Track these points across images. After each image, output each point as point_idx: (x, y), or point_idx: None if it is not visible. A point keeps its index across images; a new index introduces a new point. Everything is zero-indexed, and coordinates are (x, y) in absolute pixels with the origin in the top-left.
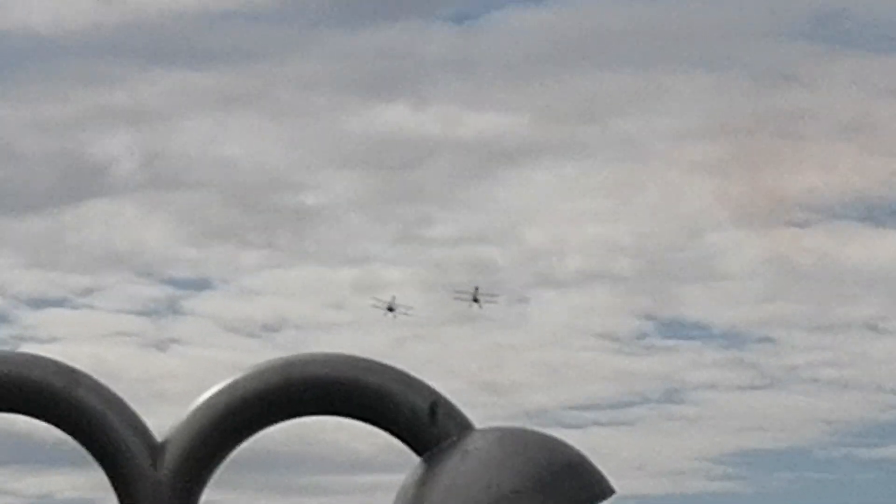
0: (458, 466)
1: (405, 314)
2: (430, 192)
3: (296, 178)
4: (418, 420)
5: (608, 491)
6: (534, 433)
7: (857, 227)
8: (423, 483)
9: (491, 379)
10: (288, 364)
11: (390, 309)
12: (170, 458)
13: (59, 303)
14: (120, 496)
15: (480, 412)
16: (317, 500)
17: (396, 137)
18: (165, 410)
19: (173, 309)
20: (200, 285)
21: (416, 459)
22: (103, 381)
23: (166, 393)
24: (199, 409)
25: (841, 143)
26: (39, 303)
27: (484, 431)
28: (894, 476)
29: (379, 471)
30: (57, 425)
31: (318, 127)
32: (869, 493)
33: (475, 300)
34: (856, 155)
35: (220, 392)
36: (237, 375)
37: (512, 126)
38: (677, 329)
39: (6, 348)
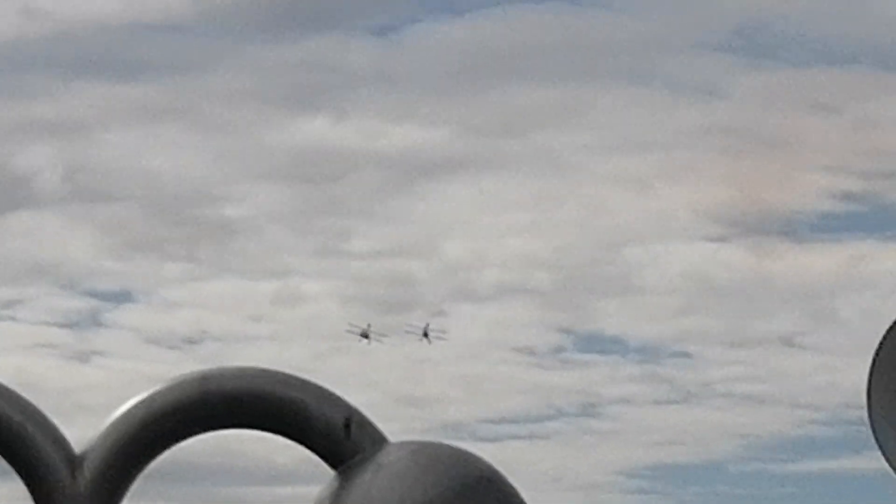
0: (372, 480)
1: (378, 341)
2: (351, 206)
3: (218, 190)
4: (333, 434)
5: None
6: (447, 447)
7: (776, 242)
8: (337, 496)
9: (409, 392)
10: (204, 378)
11: (365, 336)
12: (88, 470)
13: None
14: None
15: (398, 425)
16: None
17: (318, 150)
18: (86, 422)
19: (95, 321)
20: (122, 298)
21: (332, 473)
22: (25, 392)
23: (87, 404)
24: (117, 421)
25: (761, 158)
26: None
27: (398, 445)
28: (807, 491)
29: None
30: None
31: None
32: None
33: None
34: (775, 169)
35: (138, 405)
36: (155, 388)
37: (433, 139)
38: (594, 343)
39: None
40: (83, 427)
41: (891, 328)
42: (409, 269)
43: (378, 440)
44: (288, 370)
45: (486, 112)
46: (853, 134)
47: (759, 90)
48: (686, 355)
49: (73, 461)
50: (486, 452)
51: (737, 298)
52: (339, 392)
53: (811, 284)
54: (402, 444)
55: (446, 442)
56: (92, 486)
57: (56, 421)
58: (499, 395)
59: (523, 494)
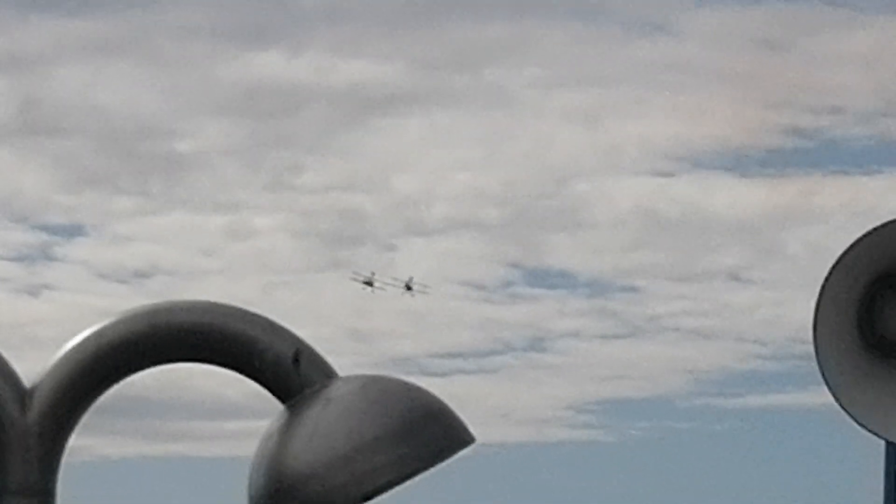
0: (320, 414)
1: (382, 289)
2: (302, 141)
3: (170, 125)
4: (282, 368)
5: (469, 439)
6: (395, 381)
7: (723, 177)
8: (285, 430)
9: (358, 326)
10: (154, 311)
11: (369, 283)
12: (37, 404)
13: None
14: None
15: (347, 360)
16: (184, 445)
17: (270, 85)
18: (37, 356)
19: (46, 255)
20: (73, 231)
21: (280, 407)
22: None
23: (38, 338)
24: (67, 355)
25: (709, 94)
26: None
27: (346, 379)
28: (752, 425)
29: (247, 417)
30: None
31: (192, 74)
32: (729, 442)
33: (408, 287)
34: (724, 105)
35: (87, 339)
36: (105, 322)
37: (385, 74)
38: (543, 278)
39: None
40: (33, 361)
41: (837, 262)
42: (360, 204)
43: (327, 374)
44: (239, 304)
45: (437, 47)
46: (801, 70)
47: (709, 26)
48: (634, 290)
49: (23, 395)
50: (435, 387)
51: (684, 233)
52: (288, 326)
53: (758, 219)
54: (351, 378)
55: (395, 376)
56: (41, 420)
57: (6, 355)
58: (447, 330)
59: (472, 429)
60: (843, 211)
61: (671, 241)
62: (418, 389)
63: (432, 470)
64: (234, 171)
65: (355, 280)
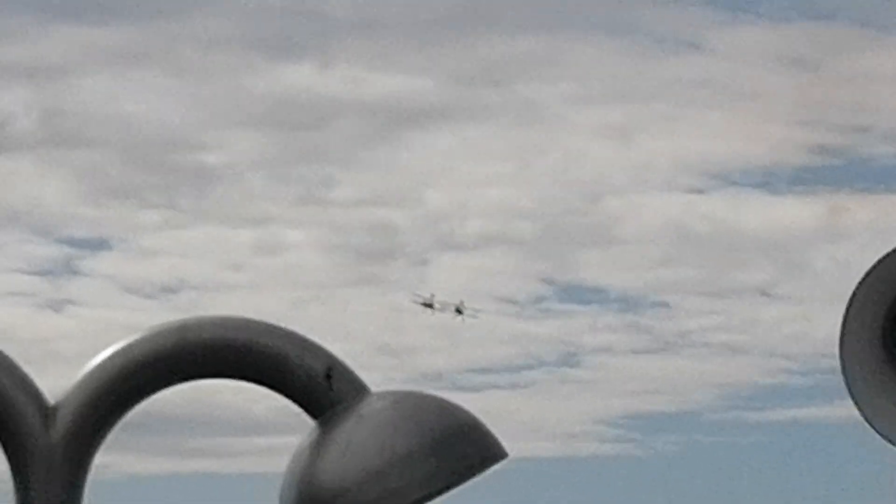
0: (353, 429)
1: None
2: (333, 154)
3: (197, 137)
4: (314, 383)
5: (500, 454)
6: (427, 397)
7: (753, 194)
8: (318, 446)
9: (389, 341)
10: (183, 327)
11: (429, 305)
12: (62, 421)
13: None
14: (10, 459)
15: (378, 375)
16: (212, 462)
17: (301, 98)
18: (60, 372)
19: (70, 269)
20: (98, 245)
21: (312, 423)
22: None
23: (61, 354)
24: (93, 371)
25: (739, 111)
26: None
27: (379, 395)
28: (779, 438)
29: (276, 433)
30: None
31: (221, 86)
32: (756, 455)
33: (458, 311)
34: (753, 122)
35: (115, 355)
36: (132, 338)
37: (417, 88)
38: (575, 293)
39: None
40: (57, 377)
41: (864, 278)
42: (391, 218)
43: (359, 390)
44: (268, 319)
45: (469, 62)
46: (830, 89)
47: (739, 44)
48: (665, 305)
49: (47, 412)
50: (467, 402)
51: (714, 249)
52: (319, 341)
53: (787, 236)
54: (384, 394)
55: (427, 392)
56: (65, 437)
57: (29, 371)
58: (479, 345)
59: (503, 444)
60: (870, 228)
61: (702, 257)
62: (451, 405)
63: (465, 485)
64: (263, 184)
65: (415, 302)
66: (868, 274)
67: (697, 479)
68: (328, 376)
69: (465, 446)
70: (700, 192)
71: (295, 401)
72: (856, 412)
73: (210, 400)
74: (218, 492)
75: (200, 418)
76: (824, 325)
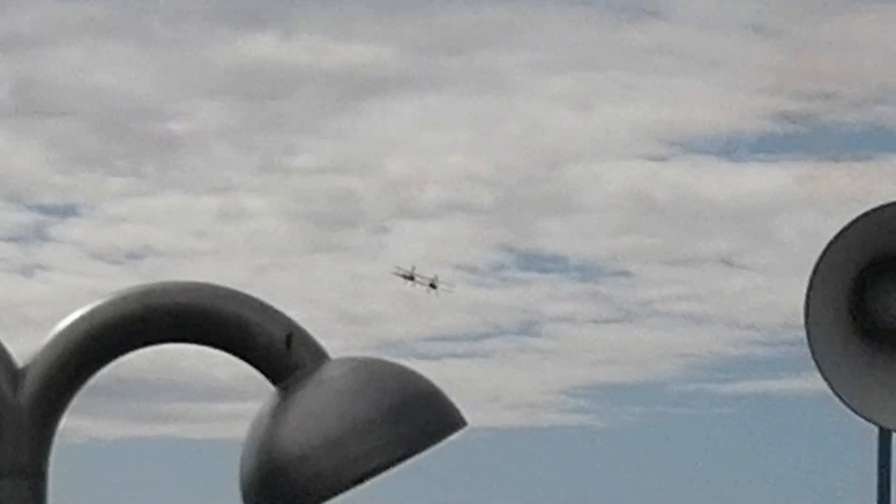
0: (312, 396)
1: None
2: (295, 123)
3: (163, 106)
4: (274, 349)
5: (460, 422)
6: (388, 364)
7: (715, 162)
8: (276, 413)
9: (350, 309)
10: (147, 292)
11: (410, 277)
12: (29, 384)
13: None
14: None
15: (339, 342)
16: (175, 427)
17: (264, 67)
18: (30, 336)
19: (40, 235)
20: (67, 212)
21: (272, 388)
22: None
23: (31, 319)
24: (59, 335)
25: (701, 79)
26: None
27: (339, 361)
28: (744, 411)
29: (238, 399)
30: None
31: (187, 57)
32: (720, 427)
33: (432, 286)
34: (716, 90)
35: (80, 319)
36: (97, 302)
37: (377, 58)
38: (534, 261)
39: None
40: (27, 341)
41: (828, 246)
42: (352, 186)
43: (319, 356)
44: (231, 286)
45: (430, 31)
46: (793, 56)
47: (700, 11)
48: (626, 274)
49: (15, 375)
50: (427, 370)
51: (676, 218)
52: (280, 308)
53: (751, 204)
54: (343, 361)
55: (387, 359)
56: (32, 400)
57: None
58: (439, 313)
59: (463, 412)
60: (835, 197)
61: (663, 226)
62: (410, 372)
63: (424, 453)
64: (226, 152)
65: (395, 274)
66: (832, 243)
67: (660, 451)
68: (288, 342)
69: (424, 414)
70: (661, 159)
71: (255, 366)
72: (823, 384)
73: (175, 365)
74: (181, 456)
75: (165, 383)
76: (790, 295)
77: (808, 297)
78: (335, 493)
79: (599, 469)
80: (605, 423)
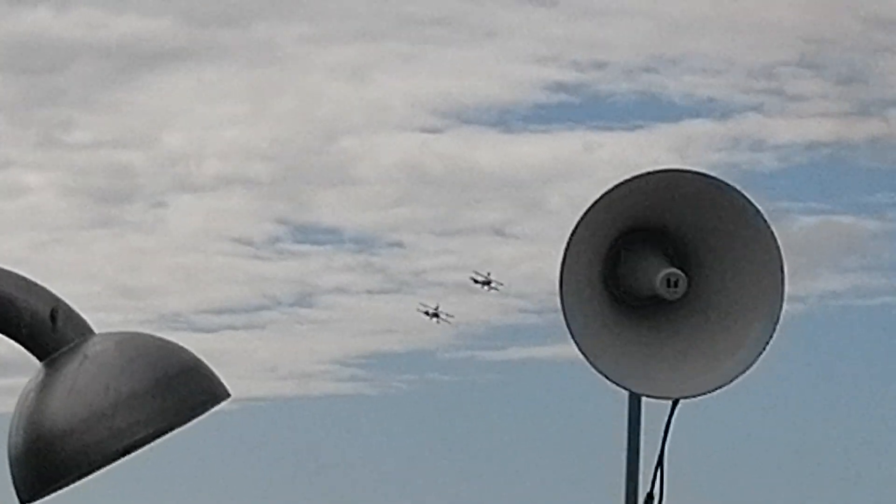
0: (78, 370)
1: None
2: (72, 97)
3: None
4: (39, 325)
5: (223, 394)
6: (151, 338)
7: (489, 133)
8: (42, 388)
9: (128, 283)
10: None
11: (435, 315)
12: None
13: None
14: None
15: (118, 317)
16: None
17: (39, 41)
18: None
19: None
20: None
21: (38, 365)
22: None
23: None
24: None
25: (476, 49)
26: None
27: (102, 337)
28: (513, 378)
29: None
30: None
31: None
32: (490, 394)
33: (487, 283)
34: (490, 60)
35: None
36: None
37: (153, 30)
38: (310, 233)
39: None
40: None
41: (582, 217)
42: (129, 161)
43: (84, 332)
44: (6, 262)
45: (205, 2)
46: (566, 24)
47: None
48: (399, 245)
49: None
50: (204, 342)
51: (450, 189)
52: (58, 283)
53: (522, 175)
54: (107, 336)
55: (151, 333)
56: None
57: None
58: (215, 286)
59: (240, 383)
60: (607, 166)
61: (436, 197)
62: (173, 346)
63: (193, 424)
64: (3, 127)
65: (419, 311)
66: (586, 212)
67: (431, 417)
68: (53, 318)
69: (188, 387)
70: (435, 131)
71: (20, 342)
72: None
73: None
74: None
75: None
76: (557, 264)
77: (562, 266)
78: (101, 466)
79: (372, 435)
80: (378, 390)
